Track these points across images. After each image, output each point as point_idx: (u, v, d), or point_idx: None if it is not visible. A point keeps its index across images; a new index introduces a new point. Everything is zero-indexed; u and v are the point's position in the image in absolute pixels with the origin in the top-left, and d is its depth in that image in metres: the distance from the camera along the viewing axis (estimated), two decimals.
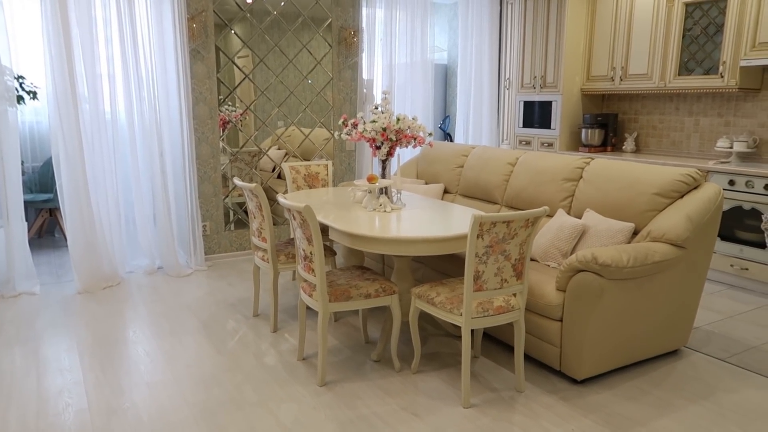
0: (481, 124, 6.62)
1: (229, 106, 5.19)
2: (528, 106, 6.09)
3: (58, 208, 5.66)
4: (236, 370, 3.10)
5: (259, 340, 3.49)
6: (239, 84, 5.20)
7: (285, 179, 5.68)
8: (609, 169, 3.49)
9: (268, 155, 5.48)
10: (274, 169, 5.67)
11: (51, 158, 5.61)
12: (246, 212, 5.46)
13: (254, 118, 5.36)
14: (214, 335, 3.57)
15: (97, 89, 4.44)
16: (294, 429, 2.55)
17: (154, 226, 4.79)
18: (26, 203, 4.94)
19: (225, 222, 5.23)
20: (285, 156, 5.59)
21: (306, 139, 5.57)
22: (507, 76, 6.48)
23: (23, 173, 5.42)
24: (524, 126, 6.16)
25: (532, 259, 3.46)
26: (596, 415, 2.66)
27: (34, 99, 5.20)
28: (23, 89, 5.09)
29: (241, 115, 5.27)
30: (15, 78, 4.40)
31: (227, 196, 5.29)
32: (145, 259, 4.82)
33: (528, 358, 3.18)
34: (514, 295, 2.82)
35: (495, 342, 3.44)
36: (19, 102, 4.90)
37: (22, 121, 5.46)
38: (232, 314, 3.91)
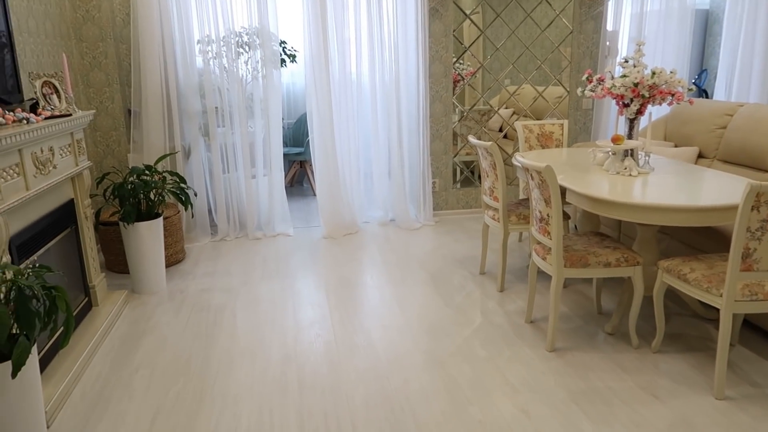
0: (750, 79, 5.64)
1: (460, 63, 5.20)
2: None
3: (307, 161, 6.35)
4: (464, 324, 3.18)
5: (486, 298, 3.52)
6: (474, 41, 5.16)
7: (512, 139, 5.57)
8: None
9: (499, 114, 5.40)
10: (501, 129, 5.58)
11: (303, 115, 6.29)
12: (473, 171, 5.49)
13: (482, 77, 5.30)
14: (442, 288, 3.69)
15: (345, 52, 4.79)
16: (522, 390, 2.53)
17: (388, 180, 5.09)
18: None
19: (453, 180, 5.33)
20: (512, 115, 5.45)
21: (539, 97, 5.34)
22: None
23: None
24: None
25: None
26: None
27: (293, 62, 5.81)
28: (285, 53, 5.72)
29: (473, 73, 5.25)
30: (279, 44, 4.96)
31: (456, 155, 5.36)
32: (379, 211, 5.17)
33: None
34: None
35: (756, 330, 2.98)
36: (282, 65, 5.51)
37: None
38: (459, 270, 4.00)
